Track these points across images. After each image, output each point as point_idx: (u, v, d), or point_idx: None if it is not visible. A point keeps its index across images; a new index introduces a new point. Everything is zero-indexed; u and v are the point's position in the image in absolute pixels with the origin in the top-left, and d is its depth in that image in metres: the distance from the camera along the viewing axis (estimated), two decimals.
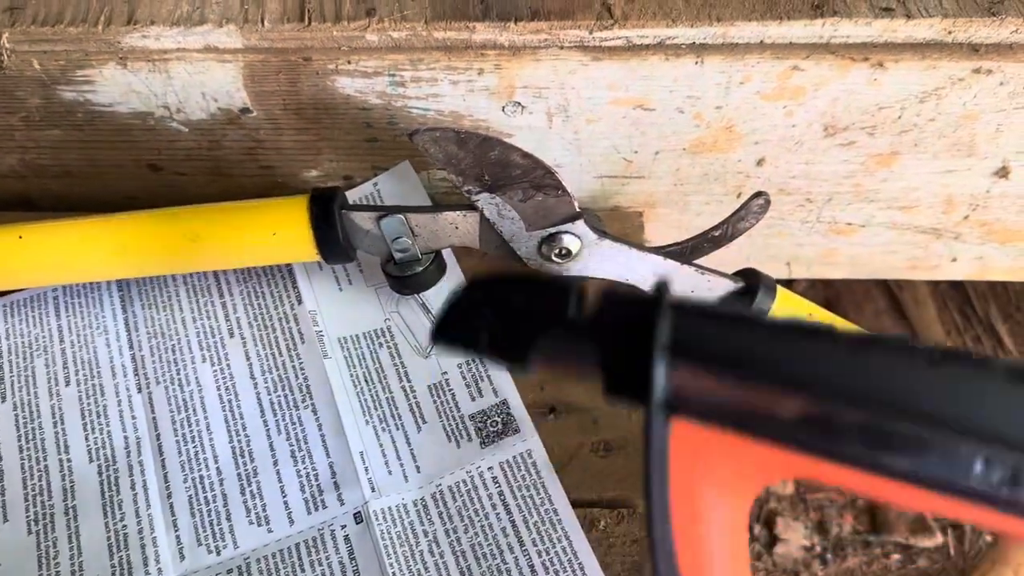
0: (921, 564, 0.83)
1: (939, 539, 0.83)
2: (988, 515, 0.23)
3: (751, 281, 0.48)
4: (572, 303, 0.26)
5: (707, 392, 0.24)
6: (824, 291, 0.96)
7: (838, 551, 0.84)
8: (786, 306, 0.49)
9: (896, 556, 0.84)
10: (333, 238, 0.46)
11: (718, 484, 0.26)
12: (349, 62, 0.47)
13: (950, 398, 0.22)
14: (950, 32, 0.45)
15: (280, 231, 0.46)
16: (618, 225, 0.56)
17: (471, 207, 0.46)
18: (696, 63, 0.47)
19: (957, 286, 0.96)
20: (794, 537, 0.84)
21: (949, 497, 0.23)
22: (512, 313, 0.27)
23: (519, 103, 0.50)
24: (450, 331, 0.28)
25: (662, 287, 0.25)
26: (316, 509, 0.45)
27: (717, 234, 0.49)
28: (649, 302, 0.25)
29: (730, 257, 0.58)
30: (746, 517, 0.27)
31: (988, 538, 0.85)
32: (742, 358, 0.24)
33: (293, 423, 0.47)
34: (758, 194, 0.47)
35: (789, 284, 0.94)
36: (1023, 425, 0.22)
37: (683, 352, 0.24)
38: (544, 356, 0.26)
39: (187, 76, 0.48)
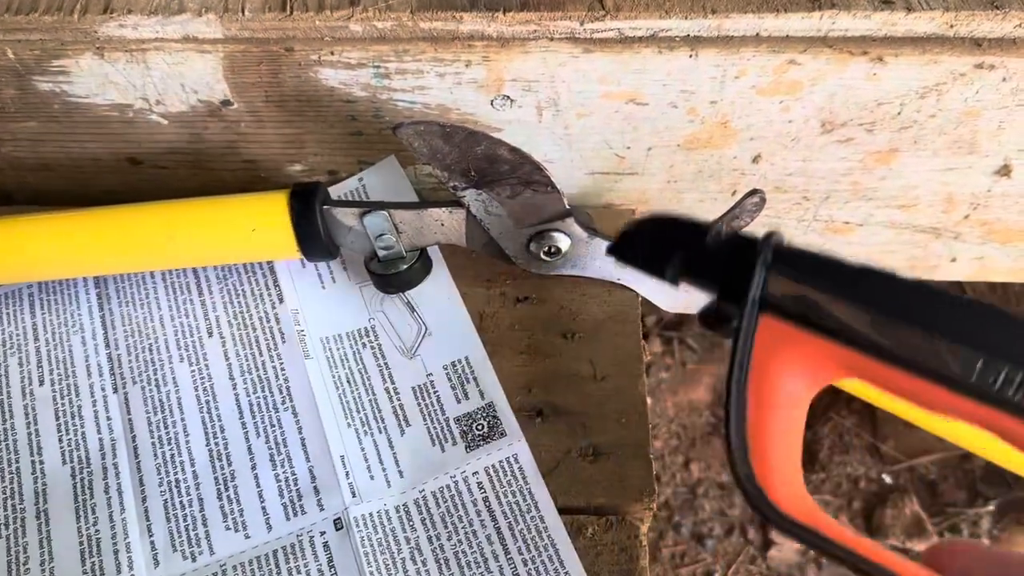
0: None
1: (934, 541, 0.82)
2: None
3: None
4: (710, 236, 0.37)
5: (792, 299, 0.33)
6: None
7: None
8: None
9: None
10: (314, 235, 0.45)
11: (790, 371, 0.33)
12: (332, 53, 0.46)
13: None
14: (952, 26, 0.44)
15: (259, 227, 0.45)
16: (610, 223, 0.55)
17: (457, 203, 0.45)
18: (690, 56, 0.45)
19: (956, 288, 0.95)
20: (789, 541, 0.83)
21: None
22: (663, 238, 0.39)
23: (508, 96, 0.48)
24: (620, 249, 0.41)
25: (773, 233, 0.35)
26: (295, 515, 0.43)
27: None
28: (760, 239, 0.35)
29: None
30: (806, 406, 0.34)
31: (986, 541, 0.84)
32: (824, 277, 0.33)
33: (272, 425, 0.46)
34: (753, 192, 0.46)
35: None
36: None
37: (779, 267, 0.34)
38: (680, 270, 0.38)
39: (166, 67, 0.47)
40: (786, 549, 0.82)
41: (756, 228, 0.55)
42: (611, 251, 0.41)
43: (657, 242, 0.39)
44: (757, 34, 0.44)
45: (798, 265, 0.34)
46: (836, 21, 0.43)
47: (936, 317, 0.31)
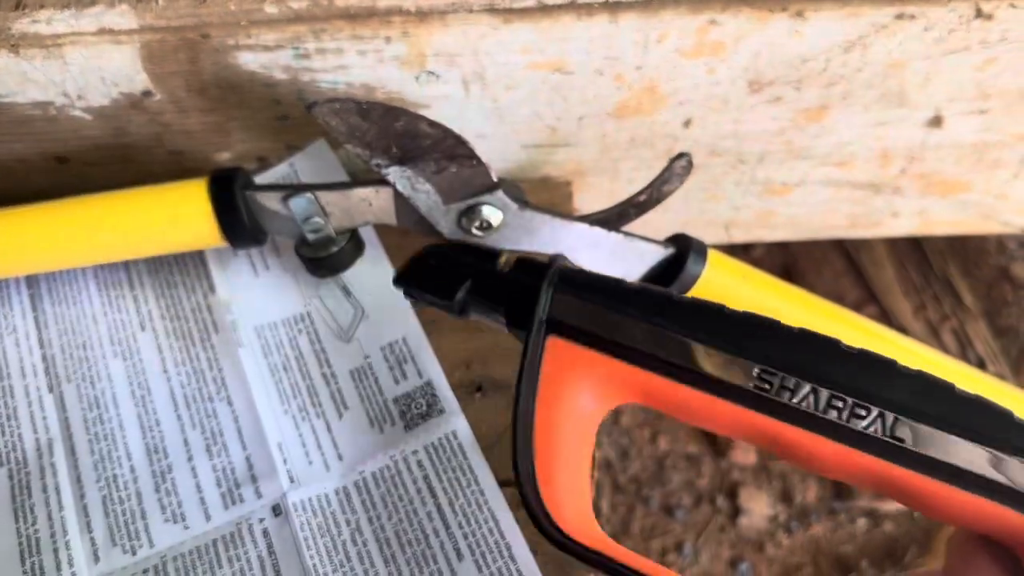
0: (887, 528, 0.83)
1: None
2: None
3: (681, 246, 0.47)
4: (498, 263, 0.38)
5: (577, 317, 0.34)
6: (782, 255, 0.95)
7: (803, 519, 0.83)
8: (719, 269, 0.47)
9: (861, 521, 0.83)
10: (238, 221, 0.44)
11: (578, 393, 0.34)
12: (249, 36, 0.45)
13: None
14: None
15: (181, 216, 0.44)
16: (547, 195, 0.54)
17: (383, 182, 0.44)
18: (610, 21, 0.45)
19: (915, 246, 0.95)
20: (758, 507, 0.83)
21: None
22: (451, 266, 0.39)
23: (432, 72, 0.48)
24: (406, 279, 0.41)
25: (558, 256, 0.37)
26: (233, 504, 0.43)
27: (643, 199, 0.47)
28: (546, 262, 0.36)
29: (667, 224, 0.57)
30: (595, 427, 0.36)
31: None
32: (607, 295, 0.35)
33: (208, 416, 0.45)
34: (679, 156, 0.46)
35: (745, 249, 0.93)
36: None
37: (564, 289, 0.35)
38: (469, 298, 0.38)
39: (83, 61, 0.46)
40: (756, 516, 0.83)
41: (696, 194, 0.55)
42: (396, 281, 0.41)
43: (446, 269, 0.39)
44: None
45: (583, 285, 0.35)
46: None
47: (708, 327, 0.33)
